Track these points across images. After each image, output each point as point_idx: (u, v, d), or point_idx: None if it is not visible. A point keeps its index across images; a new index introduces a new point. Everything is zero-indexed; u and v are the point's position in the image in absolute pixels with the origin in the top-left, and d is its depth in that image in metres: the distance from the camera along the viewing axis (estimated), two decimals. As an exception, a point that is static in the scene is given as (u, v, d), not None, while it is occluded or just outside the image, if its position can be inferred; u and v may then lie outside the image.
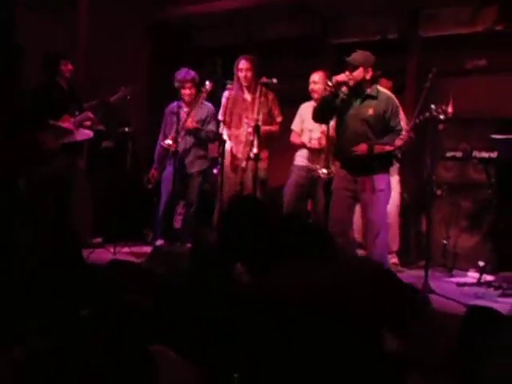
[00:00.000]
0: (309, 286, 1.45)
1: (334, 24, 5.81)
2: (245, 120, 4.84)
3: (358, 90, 4.10)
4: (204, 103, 5.08)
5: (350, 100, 4.14)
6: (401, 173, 4.89)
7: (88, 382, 1.45)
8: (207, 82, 4.87)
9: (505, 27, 5.05)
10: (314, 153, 4.78)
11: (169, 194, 5.09)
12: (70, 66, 4.99)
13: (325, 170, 4.34)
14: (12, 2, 5.41)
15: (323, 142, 4.65)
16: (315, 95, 4.74)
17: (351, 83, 4.07)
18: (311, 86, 4.80)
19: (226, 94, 4.99)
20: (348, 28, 5.77)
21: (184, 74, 5.02)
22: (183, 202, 5.37)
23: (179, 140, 4.90)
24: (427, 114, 4.30)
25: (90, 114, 4.99)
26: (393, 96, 4.22)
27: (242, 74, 4.89)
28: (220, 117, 5.02)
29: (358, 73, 4.05)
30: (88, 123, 5.01)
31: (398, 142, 4.06)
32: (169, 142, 4.96)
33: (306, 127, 4.81)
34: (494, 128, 4.63)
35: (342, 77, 4.07)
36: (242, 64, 4.89)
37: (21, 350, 1.46)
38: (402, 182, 4.93)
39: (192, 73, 5.06)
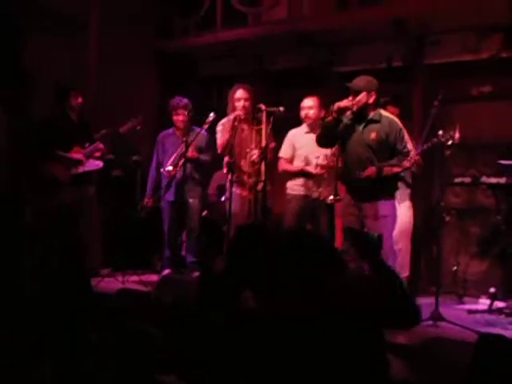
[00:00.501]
0: (311, 310, 1.45)
1: (339, 53, 5.86)
2: (247, 150, 4.70)
3: (361, 115, 4.10)
4: (201, 132, 4.94)
5: (353, 125, 4.13)
6: (412, 198, 4.86)
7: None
8: (211, 114, 4.80)
9: (510, 54, 5.08)
10: (316, 179, 4.69)
11: (170, 222, 5.12)
12: (80, 99, 5.07)
13: (331, 197, 4.35)
14: (20, 28, 5.50)
15: (326, 167, 4.62)
16: (308, 121, 4.74)
17: (354, 108, 4.06)
18: (305, 111, 4.73)
19: (221, 122, 4.83)
20: (353, 57, 5.81)
21: (177, 100, 5.12)
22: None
23: (178, 168, 4.90)
24: (435, 140, 4.32)
25: (100, 145, 5.04)
26: (396, 119, 4.19)
27: (239, 104, 4.71)
28: (219, 150, 4.83)
29: (361, 97, 4.04)
30: (98, 154, 5.06)
31: (406, 164, 4.02)
32: (169, 168, 4.99)
33: (310, 153, 4.70)
34: (500, 153, 4.64)
35: (344, 103, 4.06)
36: (240, 93, 4.74)
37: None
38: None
39: (185, 100, 5.13)
